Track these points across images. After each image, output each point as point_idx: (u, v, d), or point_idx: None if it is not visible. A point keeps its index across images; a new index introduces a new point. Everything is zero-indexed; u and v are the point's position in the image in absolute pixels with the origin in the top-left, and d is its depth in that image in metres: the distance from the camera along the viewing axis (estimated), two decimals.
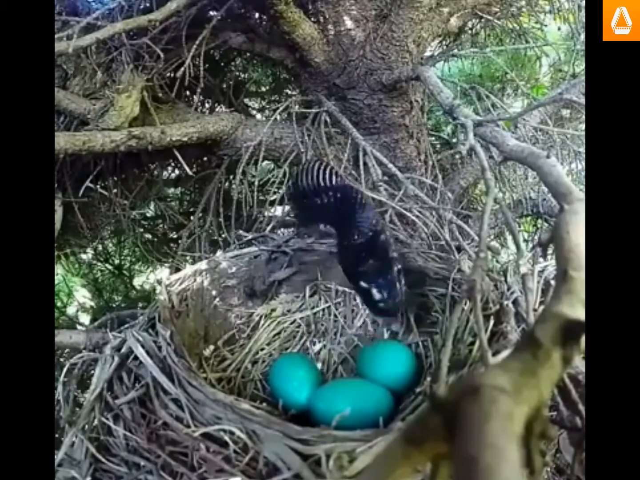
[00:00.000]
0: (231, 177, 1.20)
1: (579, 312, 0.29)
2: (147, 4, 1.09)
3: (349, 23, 1.06)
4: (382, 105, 1.07)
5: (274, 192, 1.10)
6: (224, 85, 1.38)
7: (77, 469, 0.51)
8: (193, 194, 1.54)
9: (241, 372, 0.70)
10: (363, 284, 0.65)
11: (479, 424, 0.22)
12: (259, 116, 1.57)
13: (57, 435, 0.63)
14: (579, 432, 0.45)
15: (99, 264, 1.63)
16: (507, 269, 0.67)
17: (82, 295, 1.71)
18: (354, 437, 0.46)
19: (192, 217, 1.30)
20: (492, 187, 0.53)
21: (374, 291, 0.65)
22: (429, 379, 0.60)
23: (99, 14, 0.97)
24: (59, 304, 1.57)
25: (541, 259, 0.64)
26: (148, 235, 1.54)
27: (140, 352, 0.56)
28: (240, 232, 0.95)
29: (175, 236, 1.49)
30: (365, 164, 0.97)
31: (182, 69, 1.02)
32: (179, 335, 0.60)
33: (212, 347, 0.70)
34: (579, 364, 0.40)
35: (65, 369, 0.61)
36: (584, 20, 1.38)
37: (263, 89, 1.64)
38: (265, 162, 1.16)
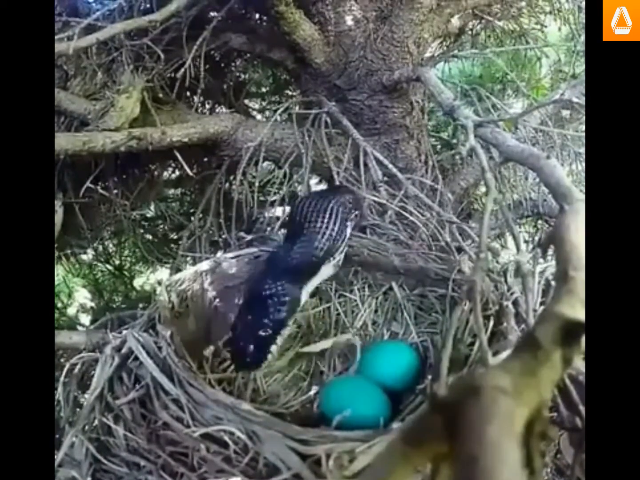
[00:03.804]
0: (231, 177, 1.20)
1: (579, 312, 0.29)
2: (148, 5, 1.10)
3: (349, 24, 1.06)
4: (382, 106, 1.07)
5: (275, 193, 1.10)
6: (225, 86, 1.38)
7: (77, 469, 0.51)
8: (193, 194, 1.54)
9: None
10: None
11: (480, 425, 0.22)
12: (259, 117, 1.57)
13: (57, 436, 0.62)
14: (579, 432, 0.45)
15: (100, 264, 1.63)
16: (507, 270, 0.67)
17: (83, 295, 1.71)
18: (354, 437, 0.46)
19: (192, 218, 1.30)
20: (492, 188, 0.53)
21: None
22: (429, 378, 0.60)
23: (100, 15, 0.97)
24: (59, 304, 1.57)
25: (541, 260, 0.64)
26: (148, 236, 1.54)
27: (140, 352, 0.56)
28: (241, 233, 0.95)
29: (175, 237, 1.49)
30: (365, 164, 0.97)
31: (183, 69, 1.02)
32: (179, 336, 0.60)
33: (212, 348, 0.70)
34: (579, 364, 0.40)
35: (65, 370, 0.61)
36: (584, 21, 1.38)
37: (263, 89, 1.64)
38: (266, 162, 1.16)
